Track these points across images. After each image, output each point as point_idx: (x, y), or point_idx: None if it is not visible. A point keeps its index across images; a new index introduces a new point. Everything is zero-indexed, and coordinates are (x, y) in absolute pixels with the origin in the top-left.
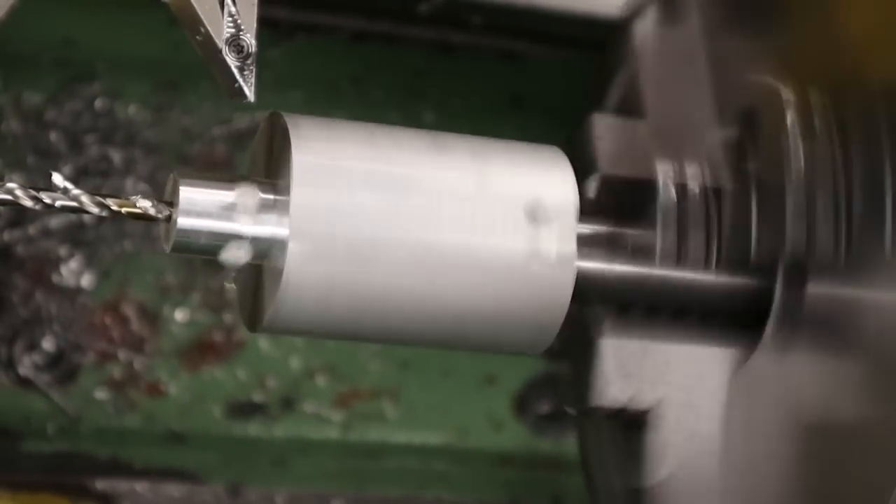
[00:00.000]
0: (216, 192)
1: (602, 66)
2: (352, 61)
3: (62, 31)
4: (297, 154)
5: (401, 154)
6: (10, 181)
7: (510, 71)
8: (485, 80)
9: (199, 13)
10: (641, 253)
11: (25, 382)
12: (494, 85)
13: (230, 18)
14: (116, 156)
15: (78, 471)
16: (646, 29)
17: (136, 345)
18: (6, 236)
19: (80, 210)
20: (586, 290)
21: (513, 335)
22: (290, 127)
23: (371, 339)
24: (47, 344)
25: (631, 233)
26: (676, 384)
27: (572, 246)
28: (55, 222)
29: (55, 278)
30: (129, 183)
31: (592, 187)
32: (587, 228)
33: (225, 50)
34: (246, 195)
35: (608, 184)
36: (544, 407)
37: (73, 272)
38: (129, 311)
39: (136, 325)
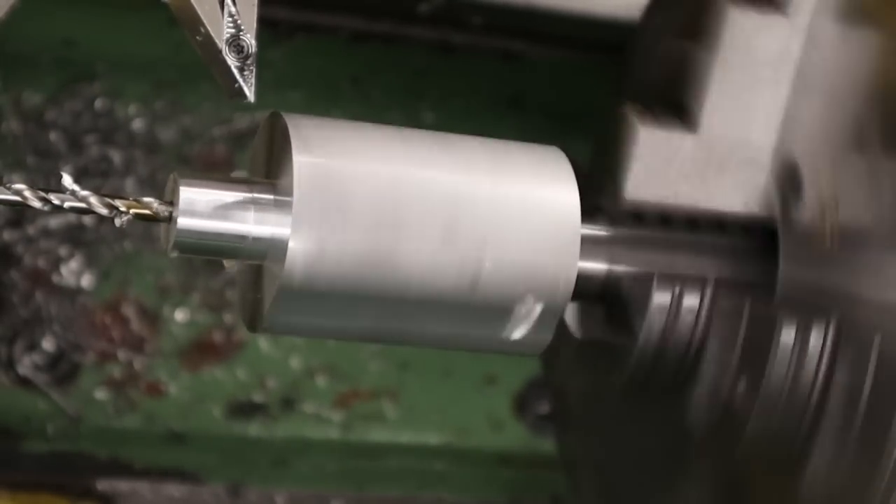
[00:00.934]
0: (216, 192)
1: (622, 67)
2: (352, 61)
3: (62, 31)
4: (298, 154)
5: (401, 154)
6: (11, 181)
7: (510, 71)
8: (485, 80)
9: (199, 13)
10: (642, 257)
11: (25, 382)
12: (494, 85)
13: (230, 18)
14: (116, 156)
15: (78, 471)
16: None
17: (136, 345)
18: (6, 236)
19: (88, 211)
20: (585, 291)
21: (514, 333)
22: (290, 127)
23: (370, 339)
24: (47, 344)
25: (633, 234)
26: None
27: (575, 246)
28: (55, 222)
29: (55, 278)
30: (130, 183)
31: (610, 200)
32: (588, 229)
33: (225, 50)
34: (246, 195)
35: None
36: (544, 407)
37: (73, 272)
38: (129, 311)
39: (136, 325)
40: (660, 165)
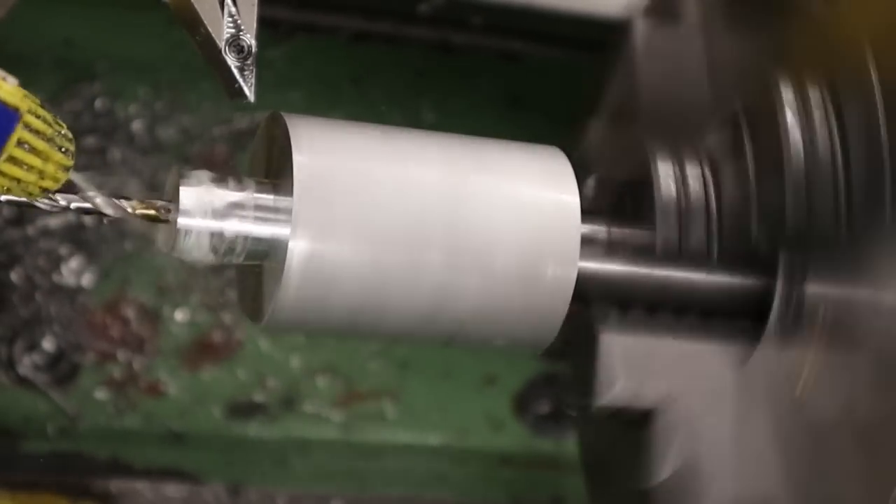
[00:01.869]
0: (217, 192)
1: (604, 66)
2: (352, 61)
3: (62, 31)
4: (298, 155)
5: (401, 154)
6: None
7: (510, 71)
8: (485, 80)
9: (199, 13)
10: (642, 251)
11: (25, 382)
12: (494, 85)
13: (230, 18)
14: (116, 156)
15: (78, 471)
16: (644, 26)
17: (136, 345)
18: (6, 236)
19: (97, 212)
20: (587, 289)
21: (512, 335)
22: (290, 127)
23: (371, 337)
24: (47, 344)
25: (631, 231)
26: (681, 381)
27: (574, 246)
28: (55, 222)
29: (55, 278)
30: (130, 183)
31: (590, 187)
32: (588, 228)
33: (225, 50)
34: (246, 195)
35: (606, 184)
36: (544, 407)
37: (73, 272)
38: (129, 311)
39: (136, 325)
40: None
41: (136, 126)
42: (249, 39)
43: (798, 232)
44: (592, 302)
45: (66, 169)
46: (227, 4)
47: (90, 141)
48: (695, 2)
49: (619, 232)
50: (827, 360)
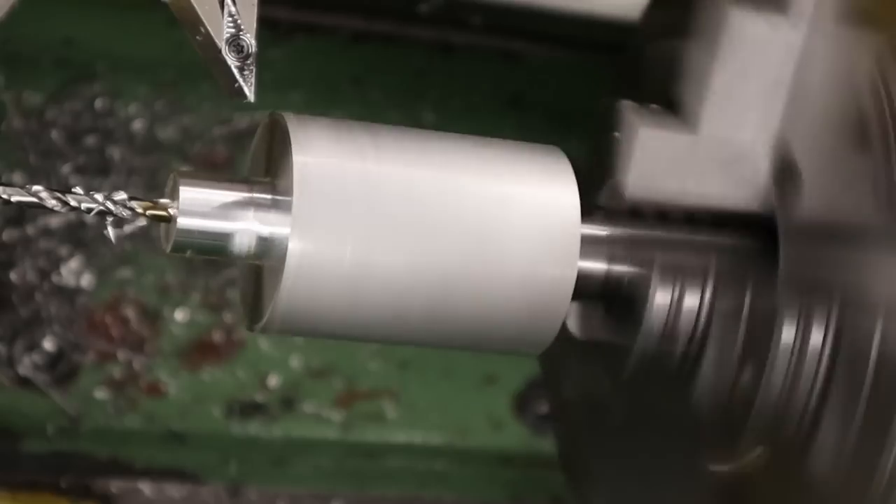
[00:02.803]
0: (216, 192)
1: (622, 66)
2: (352, 61)
3: (62, 31)
4: (298, 154)
5: (401, 154)
6: (11, 181)
7: (510, 71)
8: (485, 80)
9: (199, 13)
10: (642, 256)
11: (25, 382)
12: (494, 85)
13: (230, 18)
14: (116, 156)
15: (78, 471)
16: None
17: (136, 345)
18: (6, 236)
19: (107, 213)
20: (584, 291)
21: (512, 336)
22: (290, 127)
23: (371, 339)
24: (47, 344)
25: (633, 234)
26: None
27: (575, 246)
28: (55, 222)
29: (55, 278)
30: (130, 183)
31: (607, 194)
32: (588, 228)
33: (225, 50)
34: (246, 195)
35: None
36: (544, 407)
37: (73, 272)
38: (129, 311)
39: (136, 325)
40: (660, 164)
41: (136, 126)
42: (249, 39)
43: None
44: (591, 303)
45: None
46: (227, 4)
47: (90, 141)
48: None
49: (619, 232)
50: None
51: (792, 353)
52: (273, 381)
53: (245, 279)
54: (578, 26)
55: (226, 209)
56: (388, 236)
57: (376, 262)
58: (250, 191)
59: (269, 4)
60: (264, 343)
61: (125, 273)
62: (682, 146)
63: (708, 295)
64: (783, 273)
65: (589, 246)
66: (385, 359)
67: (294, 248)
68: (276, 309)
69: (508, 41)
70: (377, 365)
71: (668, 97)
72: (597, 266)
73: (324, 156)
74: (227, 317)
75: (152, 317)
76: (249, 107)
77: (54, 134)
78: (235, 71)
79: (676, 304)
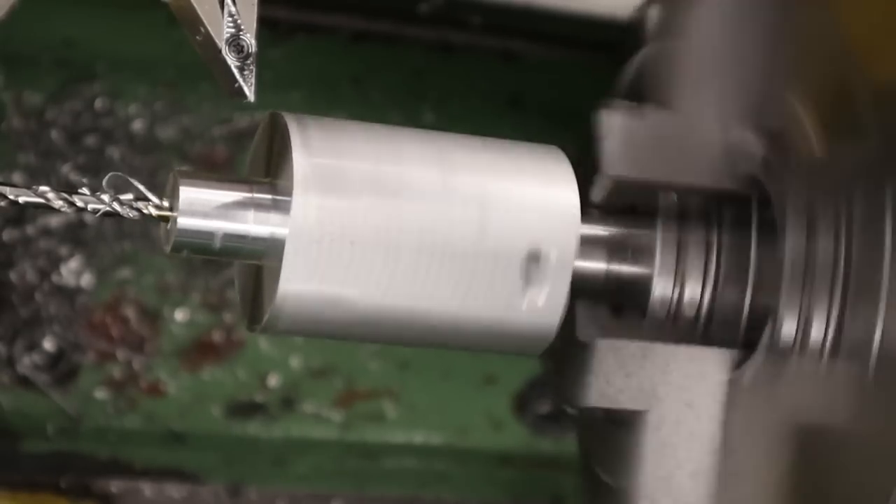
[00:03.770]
0: (216, 192)
1: (616, 65)
2: (352, 61)
3: (62, 31)
4: (298, 155)
5: (401, 154)
6: (11, 181)
7: (510, 71)
8: (485, 80)
9: (199, 13)
10: (642, 255)
11: (25, 382)
12: (494, 85)
13: (230, 18)
14: (116, 155)
15: (78, 471)
16: (655, 33)
17: (136, 345)
18: (6, 236)
19: (114, 213)
20: (584, 291)
21: (511, 336)
22: (289, 127)
23: (370, 339)
24: (47, 344)
25: (632, 233)
26: (675, 385)
27: (574, 246)
28: (55, 222)
29: (55, 278)
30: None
31: (598, 190)
32: (587, 228)
33: (225, 50)
34: (246, 195)
35: (612, 185)
36: (544, 407)
37: (73, 272)
38: (129, 311)
39: (136, 325)
40: (629, 146)
41: (136, 126)
42: (249, 39)
43: (798, 255)
44: (589, 303)
45: None
46: (227, 4)
47: (90, 141)
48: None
49: (619, 232)
50: (824, 370)
51: (793, 348)
52: (273, 381)
53: (244, 279)
54: (578, 26)
55: (226, 209)
56: (388, 236)
57: (375, 261)
58: (250, 191)
59: (269, 4)
60: (264, 343)
61: (125, 273)
62: (648, 128)
63: (709, 290)
64: (785, 258)
65: (588, 246)
66: (385, 359)
67: (293, 247)
68: (276, 309)
69: (508, 41)
70: (377, 365)
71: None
72: (597, 266)
73: (324, 156)
74: (227, 317)
75: (152, 317)
76: (249, 107)
77: (54, 134)
78: (235, 71)
79: (677, 303)
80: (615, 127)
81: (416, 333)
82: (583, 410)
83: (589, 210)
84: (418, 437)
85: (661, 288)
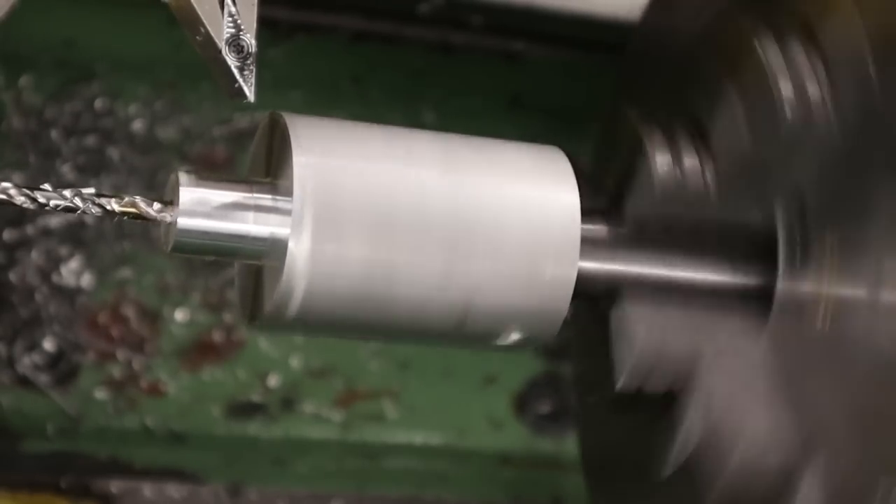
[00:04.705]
0: (217, 192)
1: (621, 66)
2: (352, 61)
3: (62, 31)
4: (298, 154)
5: (400, 154)
6: (11, 181)
7: (510, 71)
8: (485, 80)
9: (199, 13)
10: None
11: (25, 382)
12: (494, 85)
13: (230, 18)
14: (116, 155)
15: (78, 471)
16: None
17: (136, 345)
18: (6, 236)
19: (115, 214)
20: (588, 289)
21: (513, 335)
22: (289, 127)
23: (370, 338)
24: (47, 344)
25: (632, 233)
26: (699, 352)
27: (575, 245)
28: (55, 222)
29: (55, 278)
30: (130, 183)
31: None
32: (588, 227)
33: (225, 50)
34: (246, 195)
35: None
36: (544, 407)
37: (73, 272)
38: (129, 311)
39: (136, 325)
40: (669, 190)
41: (136, 126)
42: (249, 39)
43: (796, 181)
44: (593, 298)
45: None
46: (227, 4)
47: (90, 141)
48: None
49: (619, 232)
50: (842, 292)
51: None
52: (273, 381)
53: (243, 278)
54: (578, 26)
55: (226, 209)
56: (388, 236)
57: (376, 261)
58: (250, 191)
59: (269, 4)
60: (264, 343)
61: (125, 273)
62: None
63: (707, 297)
64: (782, 284)
65: (589, 246)
66: (385, 359)
67: (294, 248)
68: (276, 309)
69: (508, 41)
70: (377, 365)
71: (674, 104)
72: (597, 266)
73: (324, 156)
74: (227, 317)
75: (152, 317)
76: (249, 107)
77: (54, 134)
78: (235, 71)
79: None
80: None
81: (417, 331)
82: (607, 398)
83: (590, 210)
84: (418, 438)
85: (662, 290)
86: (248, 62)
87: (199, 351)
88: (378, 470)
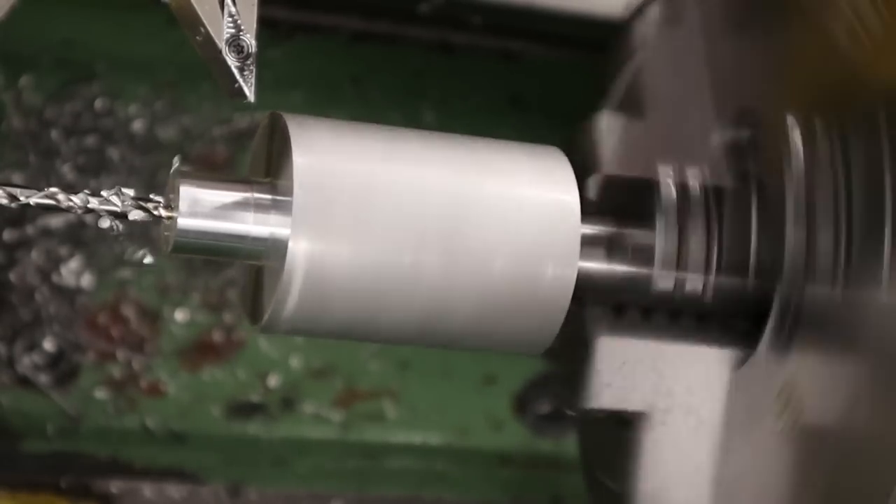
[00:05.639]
0: (217, 192)
1: (605, 65)
2: (352, 61)
3: (62, 31)
4: (298, 155)
5: (400, 154)
6: (11, 181)
7: (510, 71)
8: (485, 80)
9: (199, 13)
10: (642, 253)
11: (25, 382)
12: (494, 85)
13: (230, 18)
14: (116, 155)
15: (78, 471)
16: (648, 28)
17: (136, 345)
18: (6, 236)
19: (86, 211)
20: (586, 290)
21: (512, 336)
22: (289, 127)
23: (370, 339)
24: (47, 344)
25: (631, 233)
26: (678, 385)
27: (574, 246)
28: (55, 222)
29: (55, 278)
30: (130, 183)
31: (593, 187)
32: (588, 228)
33: (225, 50)
34: (246, 196)
35: (609, 184)
36: (544, 407)
37: (73, 272)
38: (129, 311)
39: (136, 325)
40: (625, 145)
41: (136, 126)
42: (249, 39)
43: (798, 242)
44: (591, 302)
45: None
46: (227, 4)
47: (90, 141)
48: (697, 4)
49: (619, 232)
50: (826, 365)
51: (795, 342)
52: (273, 381)
53: (245, 279)
54: (578, 26)
55: (226, 209)
56: (388, 236)
57: (376, 262)
58: (250, 191)
59: (269, 4)
60: (264, 343)
61: (125, 273)
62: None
63: (710, 284)
64: (788, 255)
65: (589, 246)
66: (385, 359)
67: (294, 248)
68: (276, 309)
69: (508, 41)
70: (377, 365)
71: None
72: (597, 266)
73: (324, 156)
74: (227, 317)
75: (152, 317)
76: (249, 107)
77: (54, 134)
78: (235, 71)
79: (679, 297)
80: (610, 127)
81: (417, 332)
82: (585, 412)
83: (589, 210)
84: (418, 437)
85: (663, 285)
86: (248, 62)
87: (199, 351)
88: (378, 470)
